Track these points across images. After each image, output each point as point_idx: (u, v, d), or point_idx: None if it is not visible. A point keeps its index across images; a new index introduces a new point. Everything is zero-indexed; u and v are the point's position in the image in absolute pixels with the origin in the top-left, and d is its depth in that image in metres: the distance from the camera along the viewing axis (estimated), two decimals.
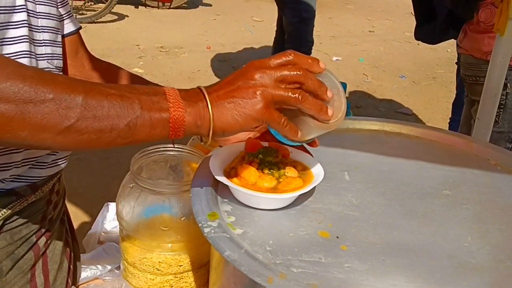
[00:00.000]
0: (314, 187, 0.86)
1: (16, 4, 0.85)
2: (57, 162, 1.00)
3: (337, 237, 0.78)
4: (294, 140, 0.82)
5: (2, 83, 0.64)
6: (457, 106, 3.43)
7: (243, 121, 0.74)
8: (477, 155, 1.08)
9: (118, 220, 1.06)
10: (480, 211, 0.88)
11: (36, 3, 0.91)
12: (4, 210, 0.91)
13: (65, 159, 1.02)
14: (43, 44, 0.92)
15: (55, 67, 0.96)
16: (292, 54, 0.78)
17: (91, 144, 0.71)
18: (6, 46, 0.84)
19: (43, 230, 1.00)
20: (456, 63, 3.29)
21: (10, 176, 0.90)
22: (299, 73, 0.76)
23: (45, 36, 0.93)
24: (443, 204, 0.90)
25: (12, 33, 0.85)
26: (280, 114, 0.76)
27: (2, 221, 0.91)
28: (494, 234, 0.82)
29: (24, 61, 0.86)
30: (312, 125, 0.79)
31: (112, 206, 1.38)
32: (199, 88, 0.76)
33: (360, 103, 4.73)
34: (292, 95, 0.75)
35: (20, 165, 0.91)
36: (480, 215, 0.87)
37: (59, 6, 1.01)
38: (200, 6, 7.47)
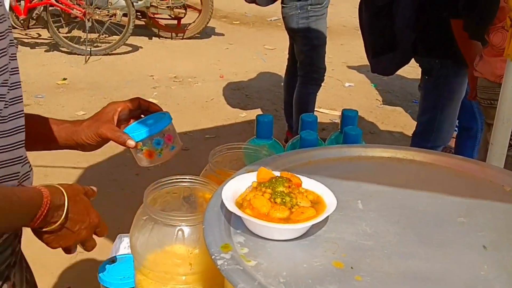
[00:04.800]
0: (327, 216, 0.86)
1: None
2: None
3: (352, 267, 0.78)
4: None
5: None
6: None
7: None
8: (491, 181, 1.06)
9: (132, 252, 1.07)
10: (496, 238, 0.87)
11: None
12: None
13: None
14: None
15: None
16: None
17: None
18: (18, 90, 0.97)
19: (12, 263, 1.04)
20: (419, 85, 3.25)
21: None
22: None
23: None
24: (458, 232, 0.89)
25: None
26: None
27: None
28: (511, 261, 0.81)
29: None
30: None
31: (125, 238, 1.38)
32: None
33: (374, 129, 4.72)
34: None
35: None
36: (496, 242, 0.86)
37: None
38: (212, 36, 7.55)
